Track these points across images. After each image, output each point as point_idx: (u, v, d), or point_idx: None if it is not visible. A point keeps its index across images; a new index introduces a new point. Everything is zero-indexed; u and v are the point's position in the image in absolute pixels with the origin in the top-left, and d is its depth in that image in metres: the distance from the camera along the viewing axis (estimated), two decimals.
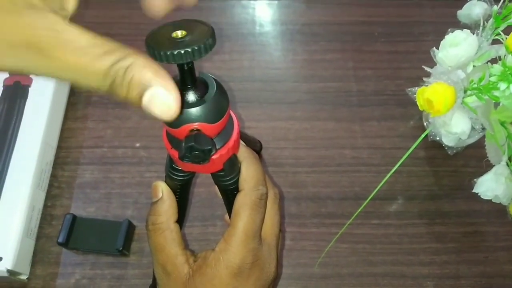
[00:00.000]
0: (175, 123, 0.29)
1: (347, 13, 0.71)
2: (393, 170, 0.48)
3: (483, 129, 0.52)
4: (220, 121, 0.30)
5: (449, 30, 0.51)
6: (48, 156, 0.57)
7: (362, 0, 0.72)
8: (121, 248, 0.51)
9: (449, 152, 0.56)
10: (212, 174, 0.35)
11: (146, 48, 0.25)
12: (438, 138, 0.54)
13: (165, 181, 0.37)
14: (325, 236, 0.54)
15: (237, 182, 0.35)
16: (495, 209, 0.55)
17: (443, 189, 0.58)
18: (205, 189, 0.57)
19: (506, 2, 0.50)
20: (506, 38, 0.48)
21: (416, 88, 0.52)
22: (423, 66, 0.54)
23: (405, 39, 0.69)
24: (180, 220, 0.37)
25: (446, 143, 0.53)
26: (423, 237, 0.56)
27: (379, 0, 0.72)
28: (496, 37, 0.51)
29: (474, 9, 0.54)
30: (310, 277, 0.53)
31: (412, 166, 0.59)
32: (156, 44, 0.25)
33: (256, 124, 0.62)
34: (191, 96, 0.29)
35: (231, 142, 0.32)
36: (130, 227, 0.53)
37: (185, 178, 0.36)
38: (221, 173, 0.34)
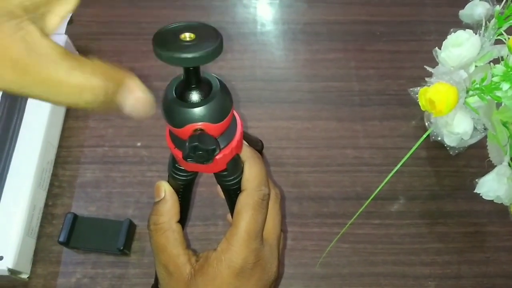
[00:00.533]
0: (179, 122, 0.29)
1: (349, 12, 0.71)
2: (394, 170, 0.48)
3: (485, 129, 0.51)
4: (224, 121, 0.30)
5: (452, 30, 0.51)
6: (49, 155, 0.57)
7: None
8: (122, 248, 0.51)
9: (451, 152, 0.55)
10: (215, 174, 0.35)
11: (153, 48, 0.25)
12: (440, 138, 0.54)
13: (168, 181, 0.37)
14: (327, 236, 0.54)
15: (240, 182, 0.35)
16: (496, 209, 0.55)
17: (444, 189, 0.58)
18: (206, 188, 0.57)
19: (508, 2, 0.50)
20: (508, 38, 0.48)
21: (418, 88, 0.52)
22: (425, 66, 0.54)
23: (407, 38, 0.69)
24: (183, 220, 0.37)
25: (448, 143, 0.53)
26: (425, 237, 0.55)
27: None
28: (499, 37, 0.51)
29: (476, 9, 0.54)
30: (312, 277, 0.53)
31: (413, 166, 0.59)
32: (163, 46, 0.25)
33: (258, 124, 0.62)
34: (195, 96, 0.29)
35: (234, 142, 0.32)
36: (131, 227, 0.53)
37: (188, 178, 0.36)
38: (224, 173, 0.34)
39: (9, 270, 0.48)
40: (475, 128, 0.51)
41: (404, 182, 0.58)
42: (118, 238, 0.52)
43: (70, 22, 0.60)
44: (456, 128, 0.49)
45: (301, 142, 0.61)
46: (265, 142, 0.57)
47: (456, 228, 0.56)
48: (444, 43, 0.51)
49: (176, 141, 0.31)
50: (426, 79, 0.52)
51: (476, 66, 0.51)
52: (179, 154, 0.31)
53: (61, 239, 0.51)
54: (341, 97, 0.64)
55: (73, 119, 0.61)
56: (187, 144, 0.28)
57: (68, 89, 0.22)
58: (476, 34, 0.50)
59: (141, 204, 0.56)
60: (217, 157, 0.31)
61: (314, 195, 0.57)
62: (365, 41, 0.68)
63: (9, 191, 0.52)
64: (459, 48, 0.50)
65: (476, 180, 0.49)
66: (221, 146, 0.31)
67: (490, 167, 0.50)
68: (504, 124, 0.49)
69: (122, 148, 0.60)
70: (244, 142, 0.35)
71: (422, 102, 0.50)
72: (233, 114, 0.32)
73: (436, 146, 0.58)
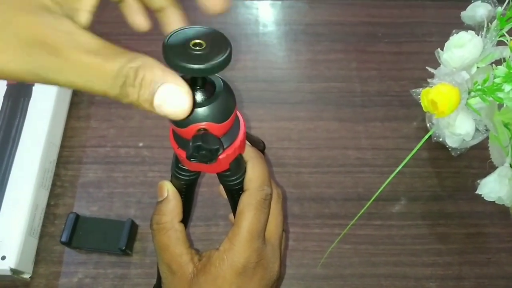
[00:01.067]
0: (183, 122, 0.29)
1: (351, 13, 0.71)
2: (396, 171, 0.48)
3: (487, 130, 0.52)
4: (227, 121, 0.30)
5: (454, 31, 0.51)
6: (51, 155, 0.57)
7: (366, 0, 0.72)
8: (124, 248, 0.51)
9: (452, 154, 0.55)
10: (217, 174, 0.35)
11: (163, 54, 0.25)
12: (441, 139, 0.54)
13: (171, 181, 0.37)
14: (328, 237, 0.54)
15: (242, 182, 0.35)
16: (498, 210, 0.55)
17: (446, 190, 0.58)
18: (208, 189, 0.57)
19: (510, 3, 0.50)
20: (510, 39, 0.48)
21: (420, 89, 0.52)
22: (427, 67, 0.54)
23: (409, 40, 0.69)
24: (185, 220, 0.37)
25: (450, 144, 0.53)
26: (426, 238, 0.56)
27: (383, 0, 0.72)
28: (500, 38, 0.51)
29: (478, 11, 0.54)
30: (313, 278, 0.53)
31: (415, 167, 0.59)
32: (175, 53, 0.25)
33: (260, 124, 0.62)
34: (199, 96, 0.29)
35: (237, 142, 0.32)
36: (133, 227, 0.53)
37: (191, 177, 0.36)
38: (227, 173, 0.34)
39: (11, 270, 0.48)
40: (476, 129, 0.51)
41: (406, 183, 0.59)
42: (120, 238, 0.52)
43: None
44: (458, 129, 0.49)
45: (302, 143, 0.61)
46: (266, 142, 0.57)
47: (458, 229, 0.56)
48: (446, 44, 0.51)
49: (180, 141, 0.31)
50: (428, 80, 0.52)
51: (478, 67, 0.51)
52: (182, 154, 0.31)
53: (63, 239, 0.51)
54: (342, 98, 0.64)
55: (75, 119, 0.61)
56: (190, 144, 0.28)
57: (106, 76, 0.23)
58: (478, 35, 0.50)
59: (143, 204, 0.56)
60: (220, 157, 0.31)
61: (315, 196, 0.58)
62: (367, 42, 0.69)
63: (12, 191, 0.52)
64: (461, 49, 0.50)
65: (478, 181, 0.49)
66: (224, 146, 0.31)
67: (492, 168, 0.50)
68: (506, 125, 0.49)
69: (124, 148, 0.60)
70: (247, 142, 0.35)
71: (424, 103, 0.50)
72: (236, 114, 0.32)
73: (438, 147, 0.58)
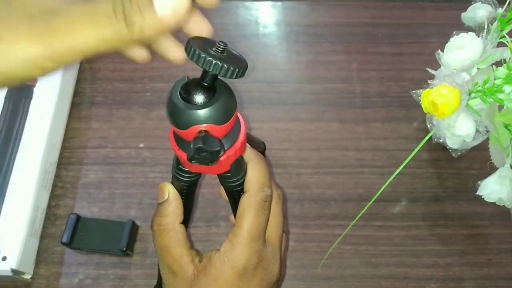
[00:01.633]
0: (183, 124, 0.29)
1: (351, 14, 0.71)
2: (397, 172, 0.48)
3: (487, 131, 0.52)
4: (228, 122, 0.30)
5: (454, 32, 0.51)
6: (52, 156, 0.57)
7: (366, 1, 0.72)
8: (124, 248, 0.51)
9: (453, 155, 0.55)
10: (218, 175, 0.35)
11: (189, 46, 0.27)
12: (442, 140, 0.54)
13: (172, 182, 0.37)
14: (329, 238, 0.54)
15: (243, 183, 0.36)
16: (498, 211, 0.55)
17: (446, 191, 0.58)
18: (208, 190, 0.57)
19: (511, 4, 0.50)
20: (511, 41, 0.48)
21: (421, 90, 0.52)
22: (427, 68, 0.54)
23: (409, 41, 0.69)
24: (186, 221, 0.37)
25: (450, 145, 0.53)
26: (427, 239, 0.56)
27: (383, 2, 0.72)
28: (501, 39, 0.51)
29: (478, 12, 0.54)
30: (313, 278, 0.53)
31: (415, 168, 0.59)
32: (198, 45, 0.27)
33: (260, 125, 0.62)
34: (200, 98, 0.29)
35: (238, 144, 0.32)
36: (134, 228, 0.53)
37: (192, 179, 0.36)
38: (228, 174, 0.34)
39: (12, 270, 0.48)
40: (477, 130, 0.51)
41: (406, 184, 0.59)
42: (120, 239, 0.52)
43: None
44: (459, 130, 0.49)
45: (303, 144, 0.61)
46: (267, 143, 0.57)
47: (458, 230, 0.56)
48: (446, 45, 0.51)
49: (180, 142, 0.31)
50: (429, 81, 0.52)
51: (478, 68, 0.51)
52: (183, 155, 0.31)
53: (64, 239, 0.51)
54: (343, 99, 0.64)
55: (76, 120, 0.61)
56: (191, 145, 0.28)
57: (107, 17, 0.24)
58: (478, 36, 0.50)
59: (143, 205, 0.56)
60: (221, 158, 0.31)
61: (316, 197, 0.58)
62: (367, 43, 0.69)
63: (13, 192, 0.52)
64: (461, 51, 0.50)
65: (478, 182, 0.49)
66: (225, 148, 0.31)
67: (492, 169, 0.50)
68: (506, 127, 0.49)
69: (125, 149, 0.60)
70: (247, 144, 0.36)
71: (425, 104, 0.50)
72: (237, 115, 0.32)
73: (438, 148, 0.58)
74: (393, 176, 0.48)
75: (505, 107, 0.46)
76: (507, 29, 0.50)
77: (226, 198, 0.39)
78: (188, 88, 0.29)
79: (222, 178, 0.35)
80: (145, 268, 0.53)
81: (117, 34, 0.24)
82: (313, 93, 0.65)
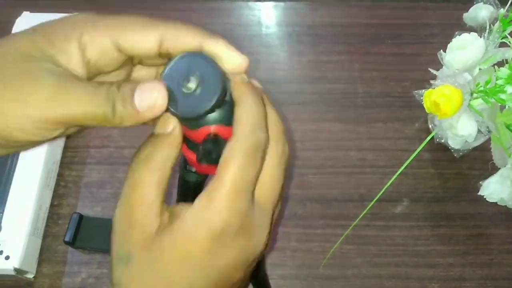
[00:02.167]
0: (193, 124, 0.29)
1: (353, 15, 0.71)
2: (398, 172, 0.48)
3: (489, 131, 0.52)
4: None
5: (456, 33, 0.51)
6: (55, 156, 0.57)
7: (368, 2, 0.72)
8: None
9: (455, 155, 0.56)
10: None
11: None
12: (444, 141, 0.54)
13: (178, 184, 0.37)
14: (331, 237, 0.54)
15: None
16: (500, 211, 0.55)
17: (448, 191, 0.58)
18: None
19: None
20: None
21: (423, 90, 0.52)
22: (429, 69, 0.54)
23: (411, 41, 0.69)
24: None
25: (452, 146, 0.53)
26: (428, 239, 0.56)
27: (385, 2, 0.72)
28: (503, 40, 0.51)
29: (480, 12, 0.54)
30: (315, 278, 0.53)
31: (417, 168, 0.59)
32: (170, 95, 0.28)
33: None
34: None
35: None
36: None
37: (199, 180, 0.36)
38: None
39: (15, 269, 0.49)
40: (479, 131, 0.51)
41: (408, 184, 0.59)
42: None
43: None
44: (461, 130, 0.50)
45: (305, 144, 0.61)
46: None
47: (460, 230, 0.56)
48: (448, 46, 0.51)
49: (189, 143, 0.32)
50: (431, 81, 0.52)
51: (480, 69, 0.51)
52: (191, 156, 0.31)
53: (67, 239, 0.51)
54: (345, 99, 0.64)
55: None
56: (201, 146, 0.28)
57: (98, 102, 0.27)
58: (480, 37, 0.50)
59: None
60: None
61: (318, 197, 0.58)
62: (369, 44, 0.69)
63: (16, 191, 0.52)
64: (463, 51, 0.50)
65: (480, 182, 0.49)
66: None
67: (494, 169, 0.50)
68: (508, 127, 0.49)
69: (128, 148, 0.60)
70: (244, 76, 0.31)
71: (427, 105, 0.50)
72: None
73: (440, 148, 0.58)
74: (395, 176, 0.48)
75: (507, 107, 0.47)
76: (509, 30, 0.51)
77: None
78: None
79: None
80: None
81: (103, 114, 0.27)
82: (315, 93, 0.65)
